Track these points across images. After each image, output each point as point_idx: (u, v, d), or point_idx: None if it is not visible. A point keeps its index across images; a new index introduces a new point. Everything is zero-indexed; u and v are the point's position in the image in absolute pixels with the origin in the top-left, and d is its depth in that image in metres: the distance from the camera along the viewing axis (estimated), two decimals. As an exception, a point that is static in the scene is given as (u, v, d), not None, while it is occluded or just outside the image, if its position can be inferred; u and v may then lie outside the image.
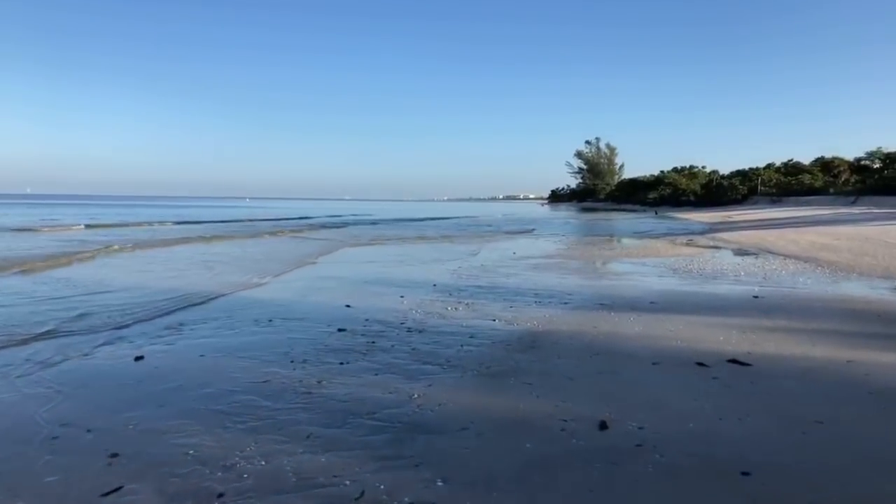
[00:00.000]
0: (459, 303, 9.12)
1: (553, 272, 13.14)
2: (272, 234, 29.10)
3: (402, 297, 9.65)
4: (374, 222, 44.03)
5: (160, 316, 8.13)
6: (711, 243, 22.24)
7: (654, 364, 5.59)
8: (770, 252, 17.78)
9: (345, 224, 39.85)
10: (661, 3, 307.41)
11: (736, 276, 12.26)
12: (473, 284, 11.14)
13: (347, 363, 5.76)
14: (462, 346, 6.39)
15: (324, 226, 37.85)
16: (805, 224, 30.63)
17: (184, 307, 8.76)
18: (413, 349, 6.26)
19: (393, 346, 6.41)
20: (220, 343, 6.64)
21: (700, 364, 5.55)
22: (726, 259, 15.90)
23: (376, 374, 5.38)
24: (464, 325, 7.47)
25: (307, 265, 14.78)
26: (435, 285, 11.00)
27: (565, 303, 9.07)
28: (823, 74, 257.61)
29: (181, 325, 7.61)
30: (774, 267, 13.73)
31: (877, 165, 79.27)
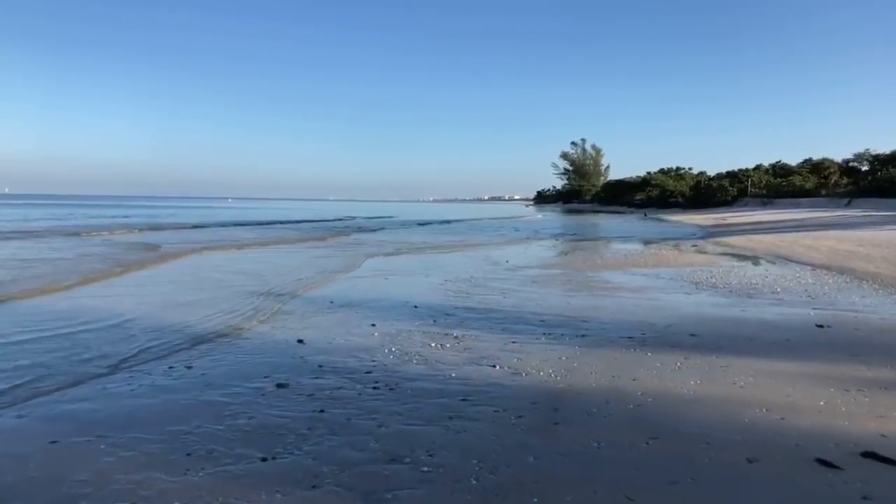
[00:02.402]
0: (446, 335, 7.08)
1: (556, 287, 11.14)
2: (302, 240, 25.07)
3: (374, 325, 7.60)
4: (402, 225, 41.81)
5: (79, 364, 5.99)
6: (720, 249, 20.42)
7: (750, 462, 3.59)
8: (791, 260, 15.97)
9: (374, 229, 35.63)
10: (646, 6, 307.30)
11: (773, 292, 10.35)
12: (463, 305, 9.10)
13: (274, 458, 3.69)
14: (450, 418, 4.35)
15: (360, 229, 34.83)
16: (809, 228, 29.03)
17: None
18: (378, 426, 4.21)
19: (349, 419, 4.35)
20: (95, 413, 4.52)
21: (823, 463, 3.55)
22: (748, 270, 14.02)
23: (314, 488, 3.32)
24: (452, 375, 5.42)
25: (335, 281, 12.63)
26: (416, 306, 8.95)
27: (582, 335, 7.06)
28: (808, 77, 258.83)
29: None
30: (810, 280, 11.87)
31: (865, 167, 78.55)
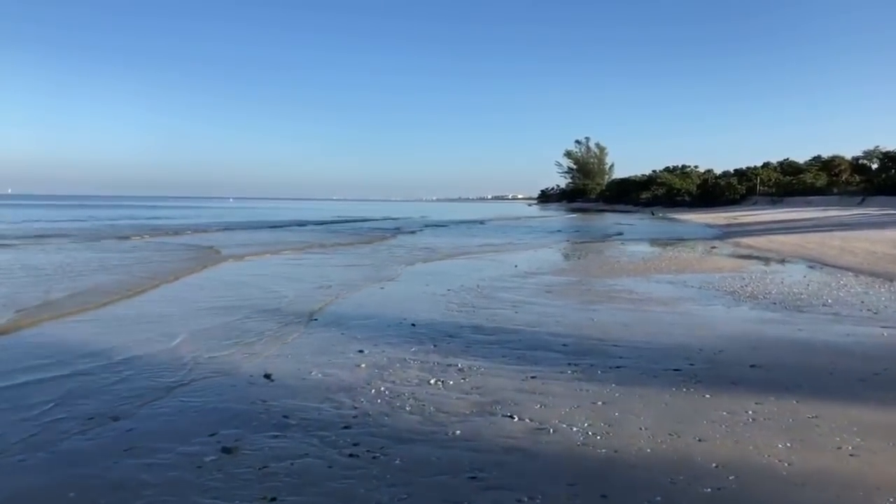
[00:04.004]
0: (449, 366, 5.76)
1: (574, 298, 9.81)
2: (351, 244, 22.52)
3: (361, 351, 6.30)
4: (436, 225, 40.06)
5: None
6: (744, 252, 19.06)
7: None
8: (825, 264, 14.61)
9: (413, 231, 33.26)
10: (650, 3, 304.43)
11: (824, 304, 9.00)
12: (469, 323, 7.79)
13: None
14: (456, 516, 3.03)
15: (398, 230, 33.05)
16: (829, 227, 27.67)
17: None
18: (350, 530, 2.89)
19: (309, 517, 3.04)
20: (-43, 501, 3.22)
21: None
22: (784, 276, 12.66)
23: None
24: (457, 433, 4.10)
25: (358, 292, 11.32)
26: (414, 325, 7.65)
27: (616, 366, 5.73)
28: (812, 77, 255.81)
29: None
30: (859, 289, 10.52)
31: (875, 165, 76.95)
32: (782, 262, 15.82)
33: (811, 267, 14.36)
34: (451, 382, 5.24)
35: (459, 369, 5.65)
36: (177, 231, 29.63)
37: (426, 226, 39.76)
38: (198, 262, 14.88)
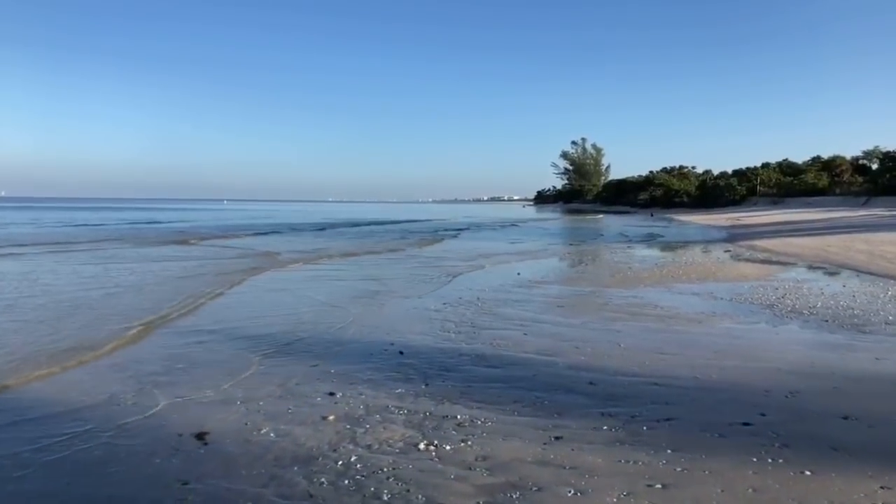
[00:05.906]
0: (444, 418, 4.37)
1: (590, 315, 8.43)
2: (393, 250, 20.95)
3: (332, 394, 4.91)
4: (472, 228, 38.28)
5: None
6: (761, 256, 17.70)
7: None
8: (860, 271, 13.28)
9: (454, 235, 31.33)
10: (646, 5, 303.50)
11: (886, 322, 7.68)
12: (469, 350, 6.39)
13: None
14: None
15: (435, 232, 31.91)
16: (843, 229, 26.40)
17: None
18: None
19: None
20: None
21: None
22: (823, 286, 11.29)
23: None
24: (457, 550, 2.71)
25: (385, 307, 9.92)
26: (402, 352, 6.27)
27: (665, 417, 4.35)
28: (809, 79, 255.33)
29: None
30: (915, 302, 9.17)
31: (875, 165, 75.84)
32: (809, 268, 14.47)
33: (846, 274, 13.01)
34: (448, 448, 3.84)
35: (458, 424, 4.26)
36: (220, 234, 29.10)
37: (447, 229, 37.63)
38: (259, 269, 14.30)
